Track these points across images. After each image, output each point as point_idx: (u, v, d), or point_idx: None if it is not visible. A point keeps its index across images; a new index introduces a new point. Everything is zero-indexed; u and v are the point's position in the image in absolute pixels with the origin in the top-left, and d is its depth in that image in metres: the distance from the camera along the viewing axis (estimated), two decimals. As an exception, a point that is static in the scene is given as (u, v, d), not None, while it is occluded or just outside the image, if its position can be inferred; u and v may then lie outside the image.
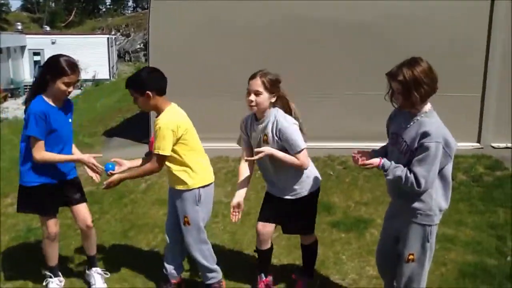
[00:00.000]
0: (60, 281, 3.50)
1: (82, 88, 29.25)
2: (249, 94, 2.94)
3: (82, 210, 3.42)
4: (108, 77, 32.13)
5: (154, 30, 7.06)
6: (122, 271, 3.71)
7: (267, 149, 2.92)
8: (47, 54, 31.49)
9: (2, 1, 64.08)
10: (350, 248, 4.05)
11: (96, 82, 29.65)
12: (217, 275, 3.33)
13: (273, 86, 2.93)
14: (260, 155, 2.93)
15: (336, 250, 4.02)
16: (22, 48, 32.19)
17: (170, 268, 3.33)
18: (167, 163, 3.05)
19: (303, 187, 3.11)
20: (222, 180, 5.62)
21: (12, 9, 69.38)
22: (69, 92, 3.15)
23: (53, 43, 32.26)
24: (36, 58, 32.60)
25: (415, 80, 2.43)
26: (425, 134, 2.44)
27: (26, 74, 32.35)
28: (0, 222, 4.81)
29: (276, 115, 2.96)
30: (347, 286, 3.50)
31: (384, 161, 2.56)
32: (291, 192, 3.11)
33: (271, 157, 2.95)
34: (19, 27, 36.63)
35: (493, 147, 7.19)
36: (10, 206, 5.29)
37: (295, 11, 6.85)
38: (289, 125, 2.95)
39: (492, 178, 5.73)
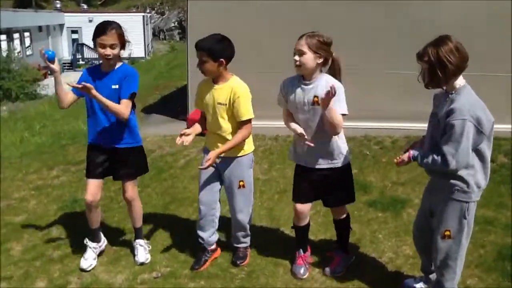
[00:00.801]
0: (100, 246, 3.65)
1: (118, 66, 29.83)
2: (294, 54, 2.96)
3: (129, 185, 3.51)
4: (143, 55, 32.55)
5: (192, 6, 7.08)
6: (164, 242, 3.85)
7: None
8: (85, 32, 32.42)
9: (41, -20, 65.34)
10: (386, 227, 4.06)
11: (132, 60, 30.10)
12: (248, 240, 3.55)
13: (319, 48, 2.92)
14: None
15: (372, 229, 4.04)
16: (61, 26, 32.91)
17: (206, 236, 3.46)
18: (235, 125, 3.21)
19: (338, 155, 3.12)
20: (259, 158, 5.69)
21: (51, -12, 70.61)
22: (107, 55, 3.17)
23: (90, 21, 32.79)
24: (74, 36, 33.30)
25: (439, 59, 2.45)
26: (451, 112, 2.46)
27: (65, 52, 33.11)
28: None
29: (327, 79, 2.97)
30: (384, 264, 3.52)
31: (413, 152, 2.63)
32: (328, 161, 3.11)
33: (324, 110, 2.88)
34: (58, 5, 37.38)
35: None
36: (55, 178, 5.54)
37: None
38: (342, 87, 2.97)
39: (534, 160, 5.59)
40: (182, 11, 45.97)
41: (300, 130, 3.02)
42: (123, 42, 3.26)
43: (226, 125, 3.22)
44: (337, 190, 3.22)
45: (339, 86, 2.94)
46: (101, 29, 3.15)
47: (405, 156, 2.66)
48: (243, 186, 3.33)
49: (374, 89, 6.87)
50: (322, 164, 3.12)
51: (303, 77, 3.04)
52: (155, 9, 48.81)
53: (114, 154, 3.40)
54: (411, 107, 6.17)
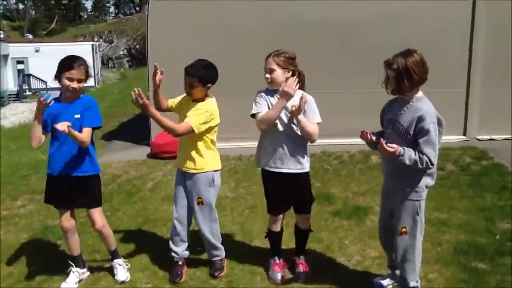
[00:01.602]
0: (83, 272, 3.68)
1: (68, 95, 29.23)
2: (264, 72, 3.28)
3: (97, 212, 3.56)
4: (94, 84, 32.10)
5: (152, 31, 7.26)
6: (142, 261, 3.94)
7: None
8: (31, 62, 31.57)
9: (-19, 10, 63.41)
10: (352, 234, 4.34)
11: (83, 90, 29.58)
12: (221, 253, 3.71)
13: (286, 63, 3.23)
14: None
15: (339, 235, 4.31)
16: (5, 57, 31.96)
17: (180, 250, 3.65)
18: (198, 143, 3.41)
19: (306, 162, 3.40)
20: (225, 177, 5.88)
21: (-9, 18, 68.56)
22: (74, 88, 3.27)
23: (37, 51, 32.17)
24: (20, 66, 32.43)
25: (407, 69, 2.76)
26: (421, 118, 2.77)
27: (10, 83, 32.11)
28: None
29: (298, 92, 3.26)
30: (353, 266, 3.78)
31: (400, 148, 2.82)
32: (297, 165, 3.34)
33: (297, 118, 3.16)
34: (1, 36, 36.35)
35: (478, 139, 7.58)
36: (21, 208, 5.49)
37: (295, 11, 7.15)
38: (312, 98, 3.32)
39: (478, 167, 6.09)
40: (130, 39, 45.86)
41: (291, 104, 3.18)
42: (87, 76, 3.42)
43: (199, 143, 3.44)
44: (304, 196, 3.49)
45: (310, 98, 3.29)
46: (69, 64, 3.27)
47: (395, 146, 2.79)
48: (201, 203, 3.52)
49: (330, 107, 7.27)
50: (293, 168, 3.35)
51: (276, 91, 3.30)
52: (103, 37, 48.33)
53: (78, 182, 3.44)
54: (365, 123, 6.59)
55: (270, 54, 3.28)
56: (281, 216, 3.52)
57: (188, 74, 3.35)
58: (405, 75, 2.78)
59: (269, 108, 3.27)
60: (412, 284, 3.14)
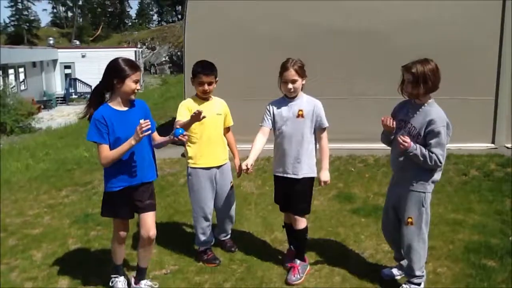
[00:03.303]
0: (125, 281, 3.60)
1: (111, 99, 30.43)
2: (286, 83, 3.50)
3: (149, 218, 3.36)
4: (135, 88, 33.21)
5: (189, 39, 7.69)
6: (170, 246, 4.30)
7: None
8: (78, 67, 33.02)
9: (33, 17, 66.65)
10: (368, 230, 4.56)
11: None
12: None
13: (303, 71, 3.52)
14: None
15: (356, 231, 4.55)
16: (54, 61, 33.62)
17: (211, 238, 4.09)
18: (223, 137, 4.02)
19: (314, 166, 3.65)
20: (253, 176, 6.22)
21: (42, 25, 71.94)
22: (138, 90, 3.24)
23: (83, 56, 33.65)
24: (67, 71, 34.02)
25: (424, 75, 3.05)
26: (432, 121, 3.07)
27: (58, 86, 33.74)
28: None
29: (305, 95, 3.63)
30: (365, 258, 4.02)
31: (413, 143, 3.09)
32: (306, 169, 3.59)
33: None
34: (51, 42, 38.25)
35: (507, 147, 7.59)
36: (65, 197, 6.00)
37: (316, 20, 7.42)
38: (320, 103, 3.61)
39: (502, 173, 6.15)
40: (172, 46, 47.13)
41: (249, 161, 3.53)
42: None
43: (222, 133, 3.99)
44: (300, 200, 3.67)
45: (318, 103, 3.61)
46: (135, 66, 3.17)
47: (408, 141, 3.06)
48: (232, 186, 4.10)
49: (356, 113, 7.49)
50: (301, 173, 3.60)
51: (286, 96, 3.61)
52: (146, 44, 49.88)
53: (149, 187, 3.37)
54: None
55: (287, 65, 3.49)
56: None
57: (208, 74, 3.77)
58: (422, 80, 3.05)
59: (274, 120, 3.61)
60: (418, 273, 3.35)
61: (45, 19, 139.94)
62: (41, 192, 6.29)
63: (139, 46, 42.67)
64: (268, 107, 3.69)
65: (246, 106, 7.24)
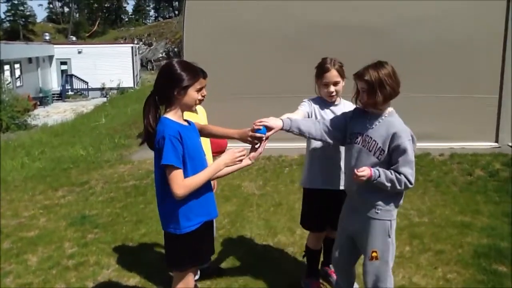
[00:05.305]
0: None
1: (108, 96, 30.24)
2: (327, 86, 3.05)
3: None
4: (132, 85, 33.06)
5: (187, 35, 7.54)
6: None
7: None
8: (74, 63, 32.81)
9: (28, 13, 66.25)
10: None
11: (121, 90, 30.57)
12: None
13: (343, 72, 3.06)
14: None
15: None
16: (50, 57, 33.31)
17: None
18: None
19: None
20: (254, 176, 6.09)
21: (38, 20, 71.52)
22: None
23: (79, 52, 33.35)
24: (63, 67, 33.73)
25: (379, 81, 2.54)
26: (397, 135, 2.55)
27: (54, 83, 33.45)
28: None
29: (343, 100, 3.18)
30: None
31: (373, 170, 2.56)
32: (341, 181, 3.12)
33: None
34: (47, 38, 37.87)
35: (510, 146, 7.49)
36: (62, 198, 5.86)
37: (319, 17, 7.28)
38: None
39: (507, 173, 6.04)
40: (169, 42, 46.92)
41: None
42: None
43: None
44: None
45: (350, 104, 3.12)
46: (197, 71, 2.52)
47: (365, 173, 2.54)
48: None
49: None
50: (339, 185, 3.14)
51: (331, 104, 3.14)
52: (143, 40, 49.65)
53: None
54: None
55: (327, 65, 3.04)
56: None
57: (205, 77, 2.80)
58: (378, 87, 2.55)
59: (310, 115, 3.06)
60: None
61: (41, 14, 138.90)
62: (36, 192, 6.15)
63: (135, 42, 42.36)
64: (308, 102, 3.15)
65: (244, 103, 7.12)
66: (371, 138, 2.63)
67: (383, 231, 2.67)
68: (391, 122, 2.62)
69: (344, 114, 2.85)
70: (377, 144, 2.60)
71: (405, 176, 2.55)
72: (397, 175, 2.55)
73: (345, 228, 2.87)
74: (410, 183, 2.56)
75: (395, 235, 2.72)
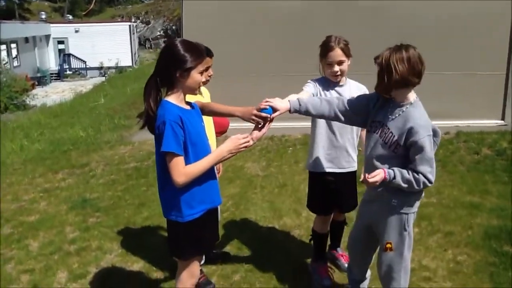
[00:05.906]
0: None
1: (106, 75, 29.94)
2: (331, 65, 2.91)
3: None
4: (130, 64, 32.72)
5: (187, 12, 7.33)
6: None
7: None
8: (71, 42, 32.46)
9: (24, -9, 65.20)
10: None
11: (120, 69, 30.26)
12: None
13: (349, 50, 2.91)
14: None
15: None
16: (47, 37, 32.90)
17: None
18: None
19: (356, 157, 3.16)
20: (257, 156, 5.99)
21: (33, -1, 70.41)
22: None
23: (76, 31, 32.94)
24: (61, 46, 33.34)
25: (388, 65, 2.35)
26: (414, 131, 2.37)
27: (52, 62, 33.11)
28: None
29: (352, 82, 3.07)
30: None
31: (388, 171, 2.41)
32: (352, 161, 3.12)
33: None
34: (43, 17, 37.32)
35: (517, 124, 7.37)
36: (62, 181, 5.75)
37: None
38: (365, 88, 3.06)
39: (515, 152, 5.95)
40: (167, 20, 46.26)
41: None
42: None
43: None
44: (354, 194, 3.25)
45: (363, 87, 3.09)
46: (200, 52, 2.36)
47: (380, 176, 2.39)
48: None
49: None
50: (350, 166, 3.13)
51: (335, 84, 3.01)
52: (140, 18, 48.93)
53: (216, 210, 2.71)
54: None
55: (331, 44, 2.88)
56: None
57: (211, 55, 2.90)
58: (386, 71, 2.37)
59: (317, 94, 2.92)
60: None
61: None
62: (36, 175, 6.05)
63: (133, 20, 41.73)
64: (313, 83, 3.00)
65: (246, 82, 6.97)
66: (389, 129, 2.46)
67: (400, 223, 2.56)
68: (411, 114, 2.42)
69: (368, 98, 2.66)
70: (394, 136, 2.44)
71: (424, 175, 2.39)
72: (415, 175, 2.39)
73: (363, 215, 2.79)
74: (430, 181, 2.40)
75: (412, 227, 2.60)
